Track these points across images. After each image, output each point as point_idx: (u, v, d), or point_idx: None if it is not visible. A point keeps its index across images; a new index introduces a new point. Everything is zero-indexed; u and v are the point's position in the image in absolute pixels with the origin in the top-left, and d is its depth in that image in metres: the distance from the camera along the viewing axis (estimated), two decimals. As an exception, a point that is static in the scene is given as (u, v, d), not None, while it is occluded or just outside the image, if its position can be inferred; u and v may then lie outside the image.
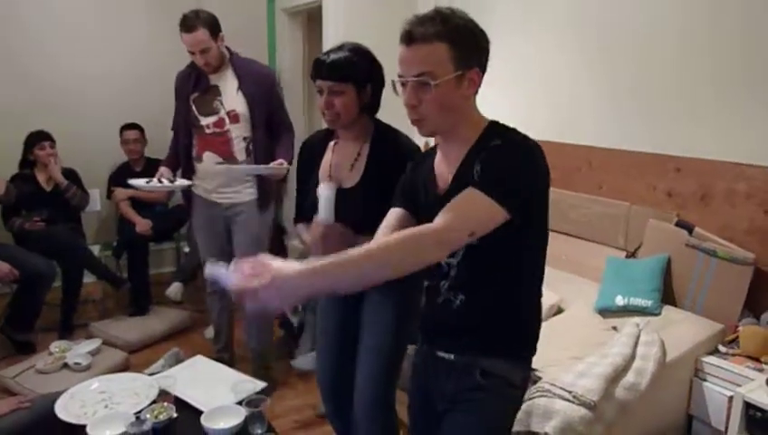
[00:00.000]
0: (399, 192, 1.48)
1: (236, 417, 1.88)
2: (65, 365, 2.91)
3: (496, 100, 3.48)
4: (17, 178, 3.66)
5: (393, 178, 1.65)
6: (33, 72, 4.12)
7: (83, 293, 3.74)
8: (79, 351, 2.99)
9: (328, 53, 1.79)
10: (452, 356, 1.38)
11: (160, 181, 2.81)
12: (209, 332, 3.40)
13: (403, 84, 1.25)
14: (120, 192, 3.94)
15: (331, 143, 1.93)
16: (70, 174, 3.79)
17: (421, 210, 1.37)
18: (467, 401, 1.35)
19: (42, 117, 3.86)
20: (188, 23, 2.65)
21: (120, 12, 4.37)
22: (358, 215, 1.76)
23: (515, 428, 1.96)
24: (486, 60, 1.28)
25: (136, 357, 3.26)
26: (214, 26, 2.69)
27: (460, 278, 1.33)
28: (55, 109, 4.09)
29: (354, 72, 1.76)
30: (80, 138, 4.08)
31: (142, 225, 3.83)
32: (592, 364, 2.12)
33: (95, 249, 4.00)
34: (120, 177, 3.94)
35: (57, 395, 2.04)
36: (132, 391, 2.05)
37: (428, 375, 1.46)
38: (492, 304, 1.33)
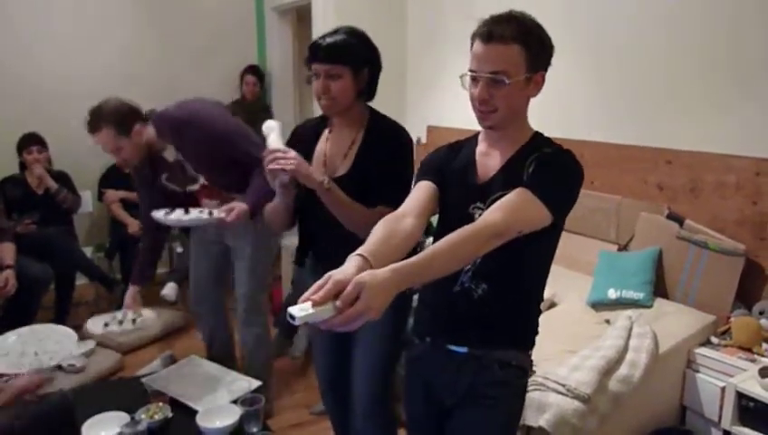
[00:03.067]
0: (431, 168, 1.47)
1: (231, 416, 1.88)
2: (59, 367, 2.89)
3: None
4: (7, 181, 3.64)
5: (385, 166, 1.71)
6: (23, 75, 4.10)
7: (76, 294, 3.73)
8: (74, 352, 2.97)
9: (324, 36, 1.74)
10: (465, 349, 1.39)
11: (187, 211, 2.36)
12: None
13: (474, 79, 1.30)
14: (111, 194, 3.93)
15: (326, 131, 1.88)
16: (61, 177, 3.77)
17: (452, 194, 1.41)
18: (487, 397, 1.37)
19: (34, 120, 3.85)
20: (90, 122, 2.31)
21: (106, 14, 4.36)
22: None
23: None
24: (550, 61, 1.34)
25: (130, 358, 3.25)
26: (121, 122, 2.29)
27: (486, 267, 1.34)
28: (46, 112, 4.07)
29: (351, 54, 1.71)
30: (70, 140, 4.03)
31: (134, 226, 3.82)
32: (585, 357, 2.13)
33: (87, 251, 3.99)
34: (110, 178, 3.92)
35: (53, 395, 2.05)
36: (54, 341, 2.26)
37: (432, 369, 1.46)
38: (514, 295, 1.38)
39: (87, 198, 4.05)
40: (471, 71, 1.30)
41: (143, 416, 1.90)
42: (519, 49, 1.26)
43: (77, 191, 3.89)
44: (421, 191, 1.41)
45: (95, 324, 2.37)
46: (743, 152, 2.50)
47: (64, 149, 3.92)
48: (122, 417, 1.90)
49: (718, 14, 2.56)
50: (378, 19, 4.00)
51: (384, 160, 1.73)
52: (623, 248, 2.92)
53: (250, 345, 2.69)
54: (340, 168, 1.81)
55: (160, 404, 1.99)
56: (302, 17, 4.89)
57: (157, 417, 1.92)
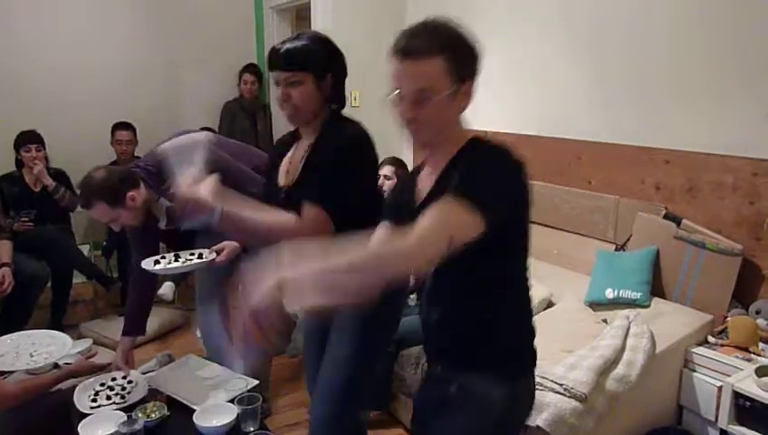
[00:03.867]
0: (387, 206, 1.46)
1: (229, 415, 1.88)
2: (56, 365, 2.88)
3: (490, 97, 3.50)
4: (4, 179, 3.63)
5: (330, 174, 1.61)
6: (21, 73, 4.09)
7: (73, 293, 3.71)
8: (72, 351, 2.97)
9: (284, 41, 1.67)
10: (438, 367, 1.39)
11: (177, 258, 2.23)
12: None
13: (400, 97, 1.20)
14: (110, 192, 3.91)
15: (297, 143, 1.80)
16: (59, 175, 3.76)
17: (401, 224, 1.26)
18: (439, 414, 1.33)
19: (31, 118, 3.83)
20: (82, 200, 2.24)
21: (105, 12, 4.35)
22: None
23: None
24: (479, 67, 1.24)
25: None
26: (113, 194, 2.18)
27: (436, 289, 1.32)
28: (44, 110, 4.06)
29: (311, 60, 1.63)
30: (68, 138, 4.05)
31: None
32: (583, 357, 2.13)
33: (85, 249, 3.98)
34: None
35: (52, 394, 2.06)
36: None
37: (422, 385, 1.49)
38: (466, 318, 1.29)
39: (85, 197, 4.04)
40: (395, 89, 1.21)
41: (140, 414, 1.89)
42: (440, 61, 1.16)
43: (75, 190, 3.88)
44: (380, 232, 1.39)
45: (81, 398, 2.15)
46: (740, 153, 2.51)
47: (62, 148, 3.91)
48: (119, 415, 1.90)
49: (720, 13, 2.56)
50: (376, 17, 4.00)
51: (328, 166, 1.63)
52: (621, 248, 2.93)
53: None
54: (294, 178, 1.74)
55: (157, 403, 1.99)
56: (301, 16, 4.89)
57: (154, 415, 1.92)
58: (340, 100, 1.74)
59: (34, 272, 3.30)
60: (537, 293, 2.76)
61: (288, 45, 1.63)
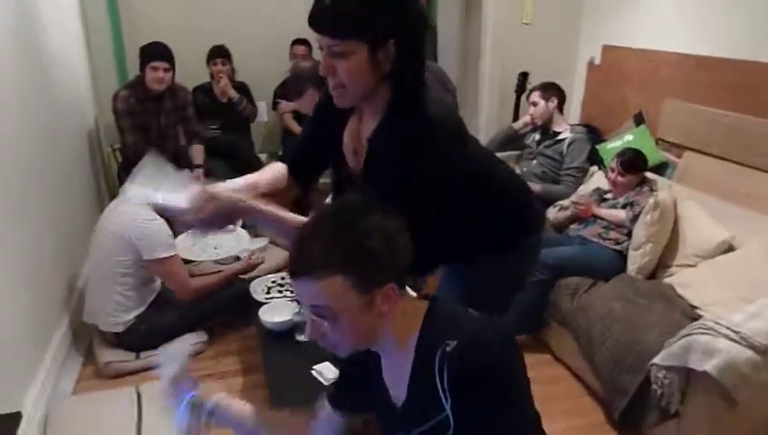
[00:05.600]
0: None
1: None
2: (237, 258, 3.26)
3: (675, 16, 3.12)
4: (198, 89, 4.02)
5: (391, 171, 1.22)
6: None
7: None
8: (250, 247, 3.32)
9: None
10: None
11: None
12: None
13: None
14: (285, 105, 4.17)
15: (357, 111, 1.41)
16: (241, 87, 4.09)
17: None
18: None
19: (222, 33, 4.15)
20: (294, 87, 2.48)
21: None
22: None
23: (669, 362, 1.89)
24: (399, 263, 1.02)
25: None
26: (322, 80, 2.21)
27: None
28: (234, 26, 4.35)
29: (366, 23, 1.15)
30: (251, 55, 4.33)
31: (304, 136, 4.06)
32: (765, 306, 1.94)
33: (262, 157, 4.34)
34: (284, 90, 4.15)
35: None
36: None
37: None
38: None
39: (263, 108, 4.36)
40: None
41: (310, 308, 2.10)
42: (339, 279, 0.96)
43: (254, 102, 4.20)
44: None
45: (256, 289, 2.46)
46: None
47: (246, 62, 4.21)
48: (293, 306, 2.12)
49: None
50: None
51: (388, 160, 1.24)
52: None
53: None
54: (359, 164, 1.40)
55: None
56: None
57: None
58: (410, 76, 1.25)
59: (222, 174, 3.69)
60: (715, 234, 2.53)
61: None
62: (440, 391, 0.97)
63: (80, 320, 2.66)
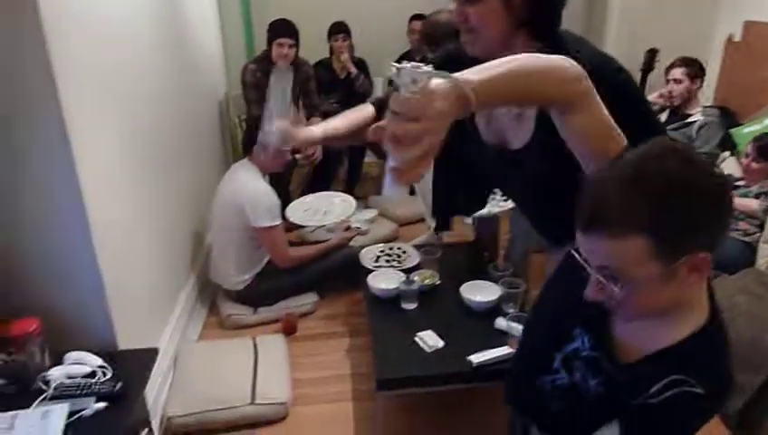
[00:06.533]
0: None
1: (493, 293, 2.03)
2: (348, 228, 3.39)
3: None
4: (319, 64, 4.18)
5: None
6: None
7: (364, 168, 4.25)
8: (360, 217, 3.45)
9: None
10: None
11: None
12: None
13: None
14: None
15: None
16: (359, 63, 4.19)
17: None
18: None
19: (342, 9, 4.27)
20: (430, 42, 2.40)
21: None
22: (532, 193, 1.37)
23: None
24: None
25: (404, 229, 3.64)
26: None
27: None
28: (354, 3, 4.46)
29: None
30: (370, 31, 4.42)
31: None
32: None
33: (375, 132, 4.44)
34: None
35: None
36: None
37: None
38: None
39: (378, 85, 4.45)
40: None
41: (416, 278, 2.16)
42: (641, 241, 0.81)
43: (371, 77, 4.30)
44: None
45: (365, 258, 2.51)
46: None
47: (365, 39, 4.31)
48: (400, 275, 2.19)
49: None
50: None
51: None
52: None
53: None
54: (512, 137, 1.32)
55: (432, 271, 2.24)
56: None
57: (428, 281, 2.18)
58: (545, 23, 1.22)
59: (337, 147, 3.82)
60: None
61: None
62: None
63: (206, 277, 2.91)
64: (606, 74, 1.07)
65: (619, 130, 0.92)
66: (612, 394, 0.94)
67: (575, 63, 0.86)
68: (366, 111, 1.59)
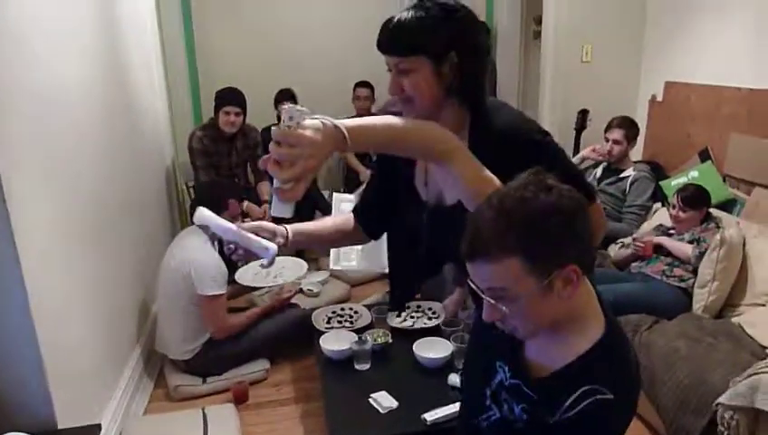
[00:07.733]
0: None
1: (445, 350, 2.05)
2: (300, 290, 3.37)
3: (742, 49, 3.07)
4: (266, 130, 4.23)
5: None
6: (273, 35, 4.70)
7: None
8: (312, 279, 3.44)
9: (401, 13, 1.28)
10: None
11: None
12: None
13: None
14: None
15: None
16: (307, 127, 4.28)
17: None
18: None
19: (290, 76, 4.40)
20: None
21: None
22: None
23: (736, 402, 1.83)
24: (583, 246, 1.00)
25: (356, 290, 3.64)
26: None
27: None
28: (298, 68, 4.60)
29: (424, 39, 1.25)
30: (316, 97, 4.52)
31: (365, 174, 4.20)
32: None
33: (325, 194, 4.49)
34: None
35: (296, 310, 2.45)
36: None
37: None
38: None
39: (328, 148, 4.54)
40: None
41: (369, 338, 2.16)
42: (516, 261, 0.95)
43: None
44: None
45: (317, 319, 2.45)
46: None
47: (311, 105, 4.34)
48: (352, 336, 2.18)
49: None
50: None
51: (500, 171, 1.10)
52: None
53: None
54: (448, 193, 1.37)
55: (383, 330, 2.24)
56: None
57: (380, 340, 2.18)
58: (473, 88, 1.33)
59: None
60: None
61: (400, 18, 1.27)
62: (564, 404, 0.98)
63: (152, 347, 2.82)
64: (520, 134, 1.32)
65: (492, 176, 1.08)
66: (535, 417, 1.03)
67: (445, 130, 1.09)
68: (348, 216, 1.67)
